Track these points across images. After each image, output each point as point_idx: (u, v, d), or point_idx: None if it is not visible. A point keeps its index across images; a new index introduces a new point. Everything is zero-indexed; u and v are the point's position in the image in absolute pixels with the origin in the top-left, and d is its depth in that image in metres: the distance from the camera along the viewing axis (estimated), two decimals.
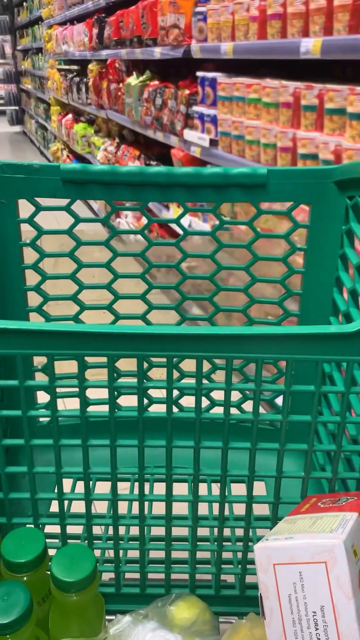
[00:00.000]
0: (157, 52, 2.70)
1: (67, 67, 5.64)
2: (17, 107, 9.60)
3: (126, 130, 3.99)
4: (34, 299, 0.99)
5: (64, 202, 0.93)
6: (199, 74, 2.36)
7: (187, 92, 2.53)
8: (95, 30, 3.94)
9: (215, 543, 0.77)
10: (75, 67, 5.36)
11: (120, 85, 3.52)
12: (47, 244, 0.96)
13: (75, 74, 5.18)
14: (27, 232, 0.96)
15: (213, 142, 2.26)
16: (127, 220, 3.48)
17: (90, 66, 4.25)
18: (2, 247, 0.96)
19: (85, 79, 4.49)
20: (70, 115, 5.40)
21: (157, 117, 2.86)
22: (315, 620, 0.56)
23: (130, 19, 3.10)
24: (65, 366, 0.77)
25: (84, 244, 0.95)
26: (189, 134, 2.47)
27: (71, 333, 0.61)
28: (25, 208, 0.95)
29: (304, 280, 0.96)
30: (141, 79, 3.12)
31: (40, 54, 6.89)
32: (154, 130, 2.98)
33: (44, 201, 0.94)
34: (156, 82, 3.02)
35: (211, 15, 2.16)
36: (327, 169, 0.92)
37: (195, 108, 2.41)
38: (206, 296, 0.99)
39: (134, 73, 3.26)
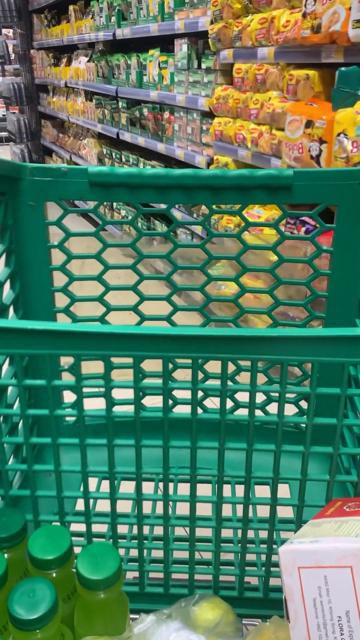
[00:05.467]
0: None
1: None
2: (29, 143, 6.09)
3: None
4: (61, 300, 1.00)
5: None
6: None
7: None
8: None
9: (239, 545, 0.77)
10: None
11: None
12: (74, 246, 0.98)
13: None
14: (54, 234, 0.97)
15: None
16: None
17: None
18: (31, 249, 0.97)
19: None
20: None
21: None
22: (340, 625, 0.55)
23: None
24: (91, 366, 0.78)
25: (111, 246, 0.96)
26: None
27: (97, 334, 0.61)
28: (52, 211, 0.96)
29: (330, 282, 0.96)
30: None
31: (138, 55, 3.42)
32: None
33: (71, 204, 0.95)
34: None
35: None
36: (354, 170, 0.91)
37: None
38: (231, 298, 0.99)
39: None
